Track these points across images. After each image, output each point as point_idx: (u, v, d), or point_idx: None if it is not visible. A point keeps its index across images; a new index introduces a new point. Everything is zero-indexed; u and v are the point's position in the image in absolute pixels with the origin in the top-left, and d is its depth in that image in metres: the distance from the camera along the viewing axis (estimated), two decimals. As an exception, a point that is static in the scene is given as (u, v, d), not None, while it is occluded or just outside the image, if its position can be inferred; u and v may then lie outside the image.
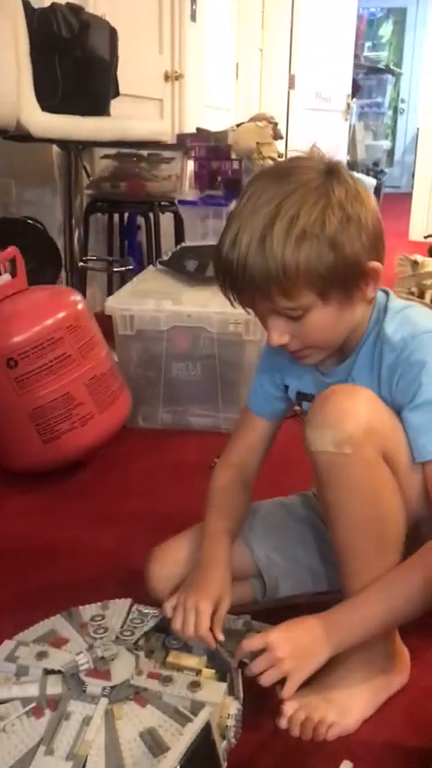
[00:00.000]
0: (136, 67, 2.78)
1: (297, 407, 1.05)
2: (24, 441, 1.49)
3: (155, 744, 0.79)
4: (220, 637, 0.90)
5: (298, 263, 0.79)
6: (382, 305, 0.91)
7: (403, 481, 0.87)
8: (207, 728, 0.75)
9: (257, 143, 3.18)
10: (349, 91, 5.57)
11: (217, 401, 1.82)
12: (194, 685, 0.86)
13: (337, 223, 0.79)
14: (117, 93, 2.14)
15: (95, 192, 2.57)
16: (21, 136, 1.83)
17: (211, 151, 3.20)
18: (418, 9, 8.27)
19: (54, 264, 2.28)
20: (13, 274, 1.54)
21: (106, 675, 0.86)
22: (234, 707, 0.86)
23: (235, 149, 3.21)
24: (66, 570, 1.27)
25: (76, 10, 1.94)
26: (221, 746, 0.81)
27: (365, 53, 7.70)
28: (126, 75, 2.23)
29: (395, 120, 8.61)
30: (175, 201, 2.73)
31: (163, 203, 2.64)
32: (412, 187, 5.19)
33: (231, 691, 0.88)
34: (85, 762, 0.77)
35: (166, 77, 3.30)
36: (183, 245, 2.45)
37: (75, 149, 2.12)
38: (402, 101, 8.63)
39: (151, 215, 2.54)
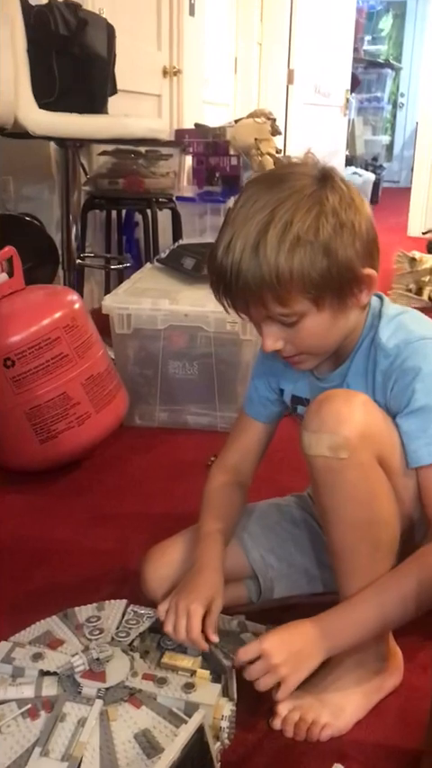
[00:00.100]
0: (134, 63, 2.78)
1: (291, 411, 1.05)
2: (21, 440, 1.49)
3: (149, 745, 0.80)
4: (214, 638, 0.90)
5: (291, 269, 0.79)
6: (376, 310, 0.92)
7: (398, 485, 0.88)
8: (200, 730, 0.76)
9: (256, 139, 3.17)
10: (348, 86, 5.56)
11: (214, 400, 1.83)
12: (189, 687, 0.87)
13: (330, 230, 0.80)
14: (115, 91, 2.14)
15: (93, 189, 2.57)
16: (18, 133, 1.83)
17: (209, 147, 3.20)
18: (418, 2, 8.22)
19: (52, 261, 2.28)
20: (10, 274, 1.54)
21: (101, 677, 0.87)
22: (228, 708, 0.86)
23: (233, 145, 3.20)
24: (61, 570, 1.27)
25: (74, 7, 1.93)
26: (215, 747, 0.82)
27: (365, 47, 7.69)
28: (124, 70, 2.22)
29: (394, 115, 8.59)
30: (173, 198, 2.72)
31: (161, 200, 2.64)
32: (411, 182, 5.18)
33: (225, 692, 0.89)
34: (80, 763, 0.78)
35: (165, 73, 3.29)
36: (180, 242, 2.46)
37: (72, 147, 2.12)
38: (402, 95, 8.60)
39: (149, 212, 2.54)
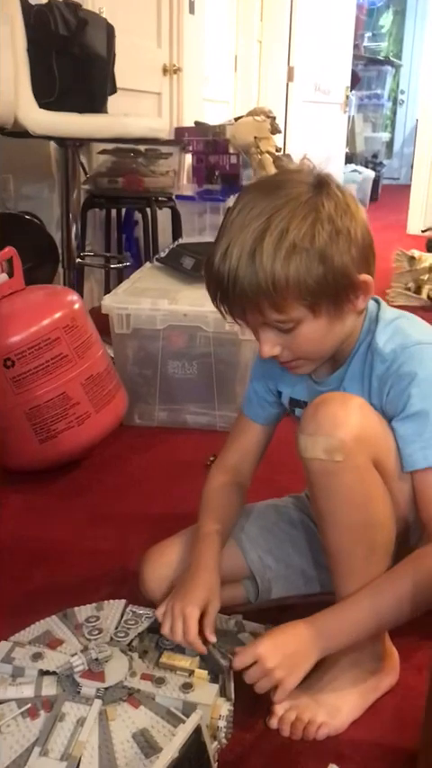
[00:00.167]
0: (134, 61, 2.77)
1: (290, 413, 1.06)
2: (21, 440, 1.50)
3: (147, 745, 0.81)
4: (212, 639, 0.92)
5: (288, 276, 0.80)
6: (373, 314, 0.92)
7: (393, 487, 0.89)
8: (198, 731, 0.77)
9: (255, 137, 3.16)
10: (348, 83, 5.54)
11: (213, 399, 1.83)
12: (187, 687, 0.88)
13: (326, 237, 0.80)
14: (114, 90, 2.14)
15: (93, 188, 2.57)
16: (18, 132, 1.84)
17: (209, 145, 3.20)
18: (419, -1, 8.22)
19: (52, 260, 2.29)
20: (11, 274, 1.54)
21: (100, 677, 0.88)
22: (225, 708, 0.87)
23: (233, 144, 3.20)
24: (61, 570, 1.28)
25: (74, 7, 1.94)
26: (212, 747, 0.83)
27: (365, 43, 7.68)
28: (124, 68, 2.23)
29: (394, 112, 8.57)
30: (173, 197, 2.73)
31: (160, 199, 2.64)
32: (411, 179, 5.18)
33: (223, 692, 0.90)
34: (79, 762, 0.79)
35: (165, 71, 3.28)
36: (179, 241, 2.46)
37: (72, 146, 2.13)
38: (402, 92, 8.59)
39: (149, 210, 2.54)
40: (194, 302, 1.76)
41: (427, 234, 4.41)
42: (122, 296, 1.86)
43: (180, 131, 3.31)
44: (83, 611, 1.02)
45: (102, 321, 1.77)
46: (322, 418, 0.84)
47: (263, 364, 1.04)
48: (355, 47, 6.10)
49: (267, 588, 1.07)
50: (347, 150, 6.22)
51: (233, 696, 0.90)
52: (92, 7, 2.34)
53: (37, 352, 1.46)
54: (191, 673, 0.90)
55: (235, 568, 1.06)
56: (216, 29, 3.92)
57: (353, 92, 6.30)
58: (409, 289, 3.15)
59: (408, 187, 5.25)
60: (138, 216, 2.88)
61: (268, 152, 3.13)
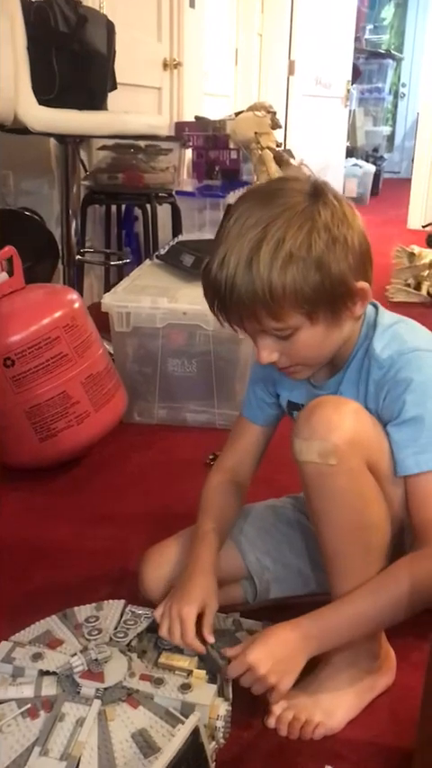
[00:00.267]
0: (134, 56, 2.77)
1: (288, 415, 1.07)
2: (21, 439, 1.51)
3: (146, 744, 0.82)
4: (210, 639, 0.92)
5: (284, 285, 0.81)
6: (371, 320, 0.93)
7: (388, 490, 0.89)
8: (196, 732, 0.78)
9: (256, 133, 3.16)
10: (349, 77, 5.53)
11: (212, 397, 1.84)
12: (185, 687, 0.88)
13: (322, 245, 0.81)
14: (114, 87, 2.14)
15: (93, 184, 2.57)
16: (18, 129, 1.84)
17: (209, 140, 3.19)
18: (421, -8, 8.19)
19: (51, 256, 2.29)
20: (10, 273, 1.55)
21: (100, 677, 0.89)
22: (223, 708, 0.89)
23: (233, 139, 3.19)
24: (61, 569, 1.29)
25: (74, 3, 1.93)
26: (210, 747, 0.85)
27: (367, 36, 7.64)
28: (124, 63, 2.22)
29: (396, 105, 8.55)
30: (173, 193, 2.73)
31: (160, 194, 2.64)
32: (412, 172, 5.17)
33: (221, 692, 0.91)
34: (79, 762, 0.80)
35: (165, 65, 3.28)
36: (179, 238, 2.46)
37: (72, 142, 2.12)
38: (403, 85, 8.56)
39: (148, 206, 2.54)
40: (194, 300, 1.77)
41: (427, 229, 4.41)
42: (122, 294, 1.86)
43: (180, 126, 3.31)
44: (82, 611, 1.03)
45: (102, 318, 1.78)
46: (316, 422, 0.85)
47: (261, 368, 1.05)
48: (357, 39, 6.08)
49: (265, 589, 1.08)
50: (348, 144, 6.21)
51: (231, 696, 0.91)
52: (92, 3, 2.34)
53: (37, 352, 1.46)
54: (189, 673, 0.91)
55: (233, 569, 1.07)
56: (216, 22, 3.91)
57: (354, 85, 6.28)
58: (408, 285, 3.15)
59: (409, 181, 5.24)
60: (138, 212, 2.88)
61: (269, 147, 3.12)
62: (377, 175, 6.55)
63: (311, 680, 0.94)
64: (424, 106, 5.07)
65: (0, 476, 1.56)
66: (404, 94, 8.59)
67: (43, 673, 0.91)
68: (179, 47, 3.35)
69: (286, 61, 4.65)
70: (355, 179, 6.01)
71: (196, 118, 3.40)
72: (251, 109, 3.36)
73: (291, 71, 4.68)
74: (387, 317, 0.93)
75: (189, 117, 3.43)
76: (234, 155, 3.17)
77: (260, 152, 3.10)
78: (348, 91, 5.56)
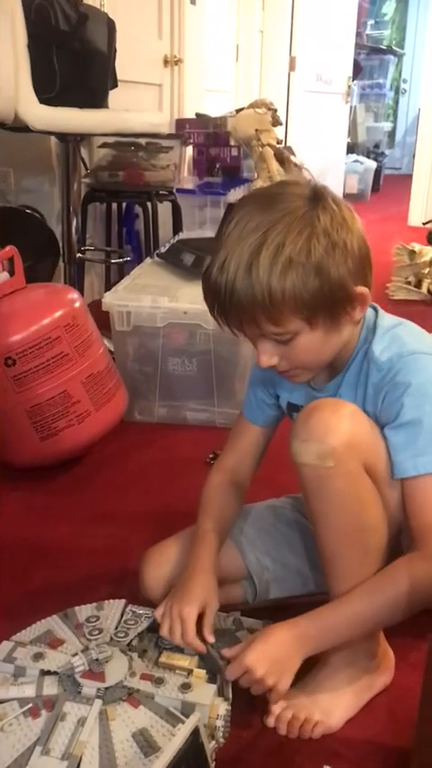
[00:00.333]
0: (135, 53, 2.77)
1: (288, 416, 1.07)
2: (22, 438, 1.51)
3: (146, 744, 0.83)
4: (211, 639, 0.93)
5: (284, 290, 0.81)
6: (371, 323, 0.93)
7: (385, 492, 0.90)
8: (196, 732, 0.79)
9: (256, 130, 3.16)
10: (350, 73, 5.52)
11: (212, 396, 1.84)
12: (185, 687, 0.89)
13: (322, 250, 0.81)
14: (115, 85, 2.14)
15: (93, 181, 2.57)
16: (19, 127, 1.84)
17: (209, 138, 3.19)
18: (422, -13, 8.15)
19: (52, 254, 2.29)
20: (11, 272, 1.55)
21: (101, 677, 0.90)
22: (223, 708, 0.89)
23: (234, 136, 3.20)
24: (61, 569, 1.29)
25: (74, 2, 1.93)
26: (210, 746, 0.85)
27: (368, 31, 7.61)
28: (125, 60, 2.22)
29: (397, 101, 8.52)
30: (174, 190, 2.73)
31: (161, 192, 2.64)
32: (413, 168, 5.16)
33: (221, 692, 0.91)
34: (80, 762, 0.81)
35: (166, 62, 3.27)
36: (180, 237, 2.46)
37: (73, 140, 2.12)
38: (404, 81, 8.53)
39: (149, 204, 2.54)
40: (194, 300, 1.77)
41: (427, 226, 4.40)
42: (123, 293, 1.87)
43: (181, 123, 3.31)
44: (83, 611, 1.04)
45: (102, 316, 1.78)
46: (314, 425, 0.86)
47: (261, 369, 1.05)
48: (358, 35, 6.06)
49: (265, 589, 1.09)
50: (349, 140, 6.20)
51: (231, 696, 0.92)
52: (92, 1, 2.34)
53: (38, 351, 1.46)
54: (189, 672, 0.92)
55: (233, 569, 1.08)
56: (217, 19, 3.90)
57: (355, 81, 6.26)
58: (409, 282, 3.15)
59: (410, 177, 5.23)
60: (138, 209, 2.89)
61: (269, 144, 3.12)
62: (378, 172, 6.54)
63: (310, 679, 0.95)
64: (425, 102, 5.06)
65: (0, 475, 1.57)
66: (405, 90, 8.56)
67: (44, 672, 0.92)
68: (180, 44, 3.34)
69: (287, 57, 4.64)
70: (355, 175, 6.00)
71: (197, 115, 3.40)
72: (252, 106, 3.36)
73: (291, 67, 4.67)
74: (387, 319, 0.94)
75: (190, 114, 3.42)
76: (235, 152, 3.17)
77: (261, 149, 3.10)
78: (349, 87, 5.54)
